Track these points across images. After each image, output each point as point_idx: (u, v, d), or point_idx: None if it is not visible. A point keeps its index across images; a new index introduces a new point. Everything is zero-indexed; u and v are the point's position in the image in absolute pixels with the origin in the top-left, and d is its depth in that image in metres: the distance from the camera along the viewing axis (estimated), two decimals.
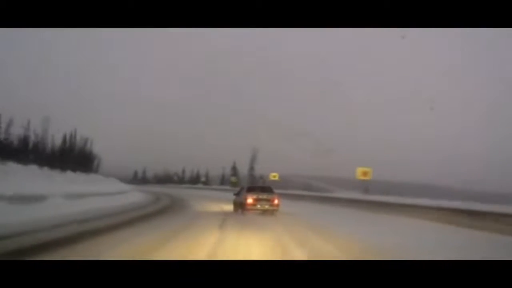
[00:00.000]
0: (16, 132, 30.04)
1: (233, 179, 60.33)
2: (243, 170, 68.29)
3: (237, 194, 17.18)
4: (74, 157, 40.07)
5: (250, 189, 16.30)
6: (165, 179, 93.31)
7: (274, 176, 43.07)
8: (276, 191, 16.32)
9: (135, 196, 27.02)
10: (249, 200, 15.10)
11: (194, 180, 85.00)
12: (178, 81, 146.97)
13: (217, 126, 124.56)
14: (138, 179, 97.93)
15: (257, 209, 14.81)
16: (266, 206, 15.08)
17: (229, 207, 17.23)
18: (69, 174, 26.21)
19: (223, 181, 77.28)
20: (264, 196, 15.43)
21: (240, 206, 15.76)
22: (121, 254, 5.67)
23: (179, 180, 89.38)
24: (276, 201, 15.25)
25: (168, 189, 56.12)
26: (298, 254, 6.31)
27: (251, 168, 69.45)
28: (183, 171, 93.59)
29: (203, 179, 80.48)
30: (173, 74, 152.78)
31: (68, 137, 47.07)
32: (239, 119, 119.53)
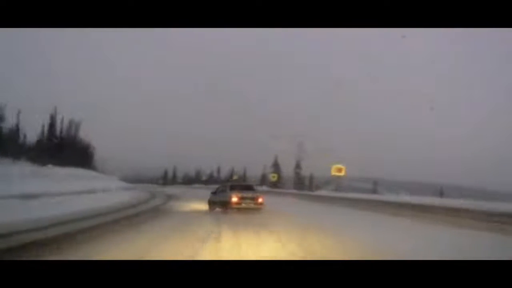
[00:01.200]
0: None
1: (273, 176, 47.86)
2: (289, 171, 60.54)
3: (214, 193, 17.53)
4: (48, 148, 33.93)
5: (233, 188, 16.58)
6: (193, 179, 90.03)
7: (338, 169, 27.20)
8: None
9: (117, 197, 22.69)
10: (234, 199, 15.16)
11: (228, 180, 73.42)
12: (214, 81, 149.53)
13: (257, 125, 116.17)
14: (164, 179, 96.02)
15: (242, 208, 14.98)
16: (251, 205, 15.26)
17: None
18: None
19: (263, 180, 65.29)
20: (248, 194, 15.69)
21: (221, 205, 15.84)
22: None
23: (208, 180, 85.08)
24: (260, 200, 15.57)
25: (183, 190, 51.13)
26: None
27: (297, 166, 60.41)
28: (218, 171, 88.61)
29: (235, 177, 71.74)
30: (202, 74, 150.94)
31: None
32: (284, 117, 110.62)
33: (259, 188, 48.36)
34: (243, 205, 15.15)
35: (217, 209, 16.24)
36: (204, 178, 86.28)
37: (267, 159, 67.70)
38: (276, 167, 61.55)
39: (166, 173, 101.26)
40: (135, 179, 77.79)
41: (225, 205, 15.43)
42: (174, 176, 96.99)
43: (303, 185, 60.44)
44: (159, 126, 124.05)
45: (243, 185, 18.50)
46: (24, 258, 5.61)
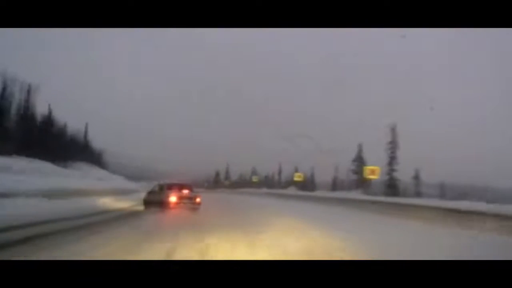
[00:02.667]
0: None
1: (371, 173, 28.16)
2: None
3: (150, 192, 18.39)
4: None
5: (171, 187, 17.30)
6: (246, 182, 76.75)
7: None
8: None
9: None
10: (173, 198, 16.01)
11: (288, 182, 63.47)
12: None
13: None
14: (213, 182, 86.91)
15: (180, 207, 15.86)
16: (189, 205, 16.15)
17: None
18: None
19: (336, 183, 55.28)
20: (187, 194, 16.60)
21: (158, 204, 16.38)
22: None
23: (261, 182, 70.58)
24: (198, 199, 16.63)
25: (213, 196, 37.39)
26: None
27: (390, 162, 42.38)
28: (279, 172, 75.18)
29: (297, 176, 53.79)
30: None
31: None
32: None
33: (347, 194, 30.16)
34: (182, 204, 15.91)
35: (153, 209, 16.38)
36: (255, 180, 68.70)
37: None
38: (359, 161, 41.36)
39: (217, 174, 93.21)
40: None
41: (163, 204, 15.81)
42: (227, 177, 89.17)
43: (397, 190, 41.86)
44: (210, 124, 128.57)
45: (181, 185, 18.28)
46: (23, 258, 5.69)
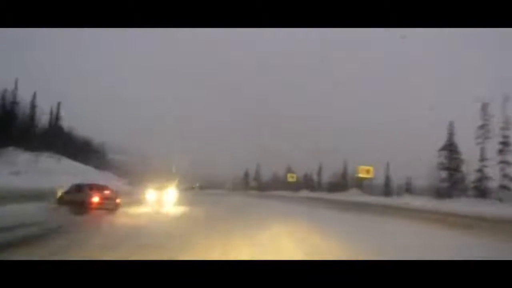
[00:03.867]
0: None
1: None
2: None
3: (67, 192, 17.99)
4: None
5: (93, 187, 17.86)
6: (274, 183, 67.14)
7: None
8: None
9: None
10: (96, 199, 16.38)
11: (335, 184, 48.50)
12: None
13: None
14: (241, 183, 77.50)
15: (101, 208, 16.18)
16: (110, 206, 16.57)
17: None
18: None
19: (389, 185, 41.10)
20: (107, 194, 17.18)
21: (78, 204, 16.32)
22: None
23: (298, 183, 57.88)
24: (118, 200, 17.41)
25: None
26: None
27: (483, 159, 30.49)
28: (319, 171, 65.09)
29: (364, 170, 37.61)
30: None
31: None
32: None
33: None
34: (103, 205, 16.38)
35: (72, 209, 16.25)
36: (291, 179, 58.16)
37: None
38: (451, 149, 27.85)
39: (246, 174, 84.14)
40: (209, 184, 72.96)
41: (83, 204, 16.17)
42: (255, 177, 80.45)
43: None
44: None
45: (101, 186, 18.69)
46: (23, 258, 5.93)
